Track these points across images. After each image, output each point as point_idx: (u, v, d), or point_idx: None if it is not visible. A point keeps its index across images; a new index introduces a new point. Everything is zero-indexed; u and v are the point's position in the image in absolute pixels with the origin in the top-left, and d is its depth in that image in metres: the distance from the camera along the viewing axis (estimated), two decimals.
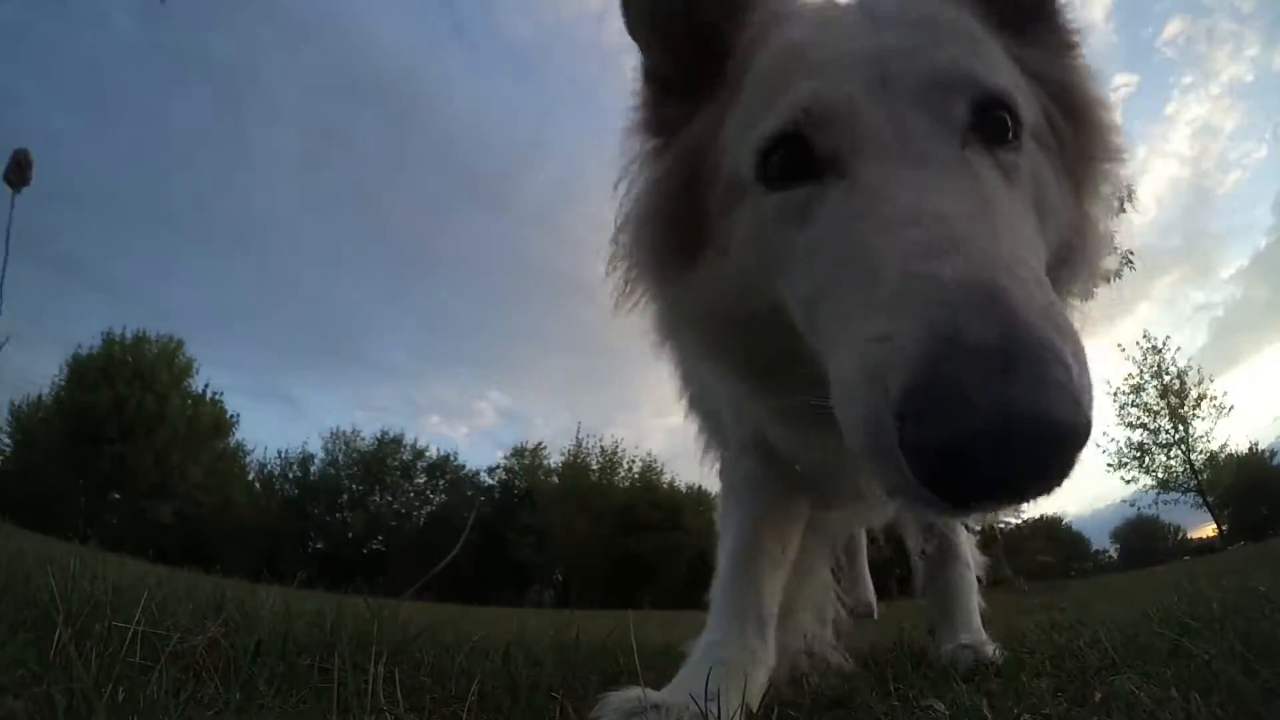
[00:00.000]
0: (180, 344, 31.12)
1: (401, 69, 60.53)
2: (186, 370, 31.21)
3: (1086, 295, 1.17)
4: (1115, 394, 27.50)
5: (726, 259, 0.97)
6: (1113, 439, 27.82)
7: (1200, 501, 28.91)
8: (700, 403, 1.68)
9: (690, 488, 35.66)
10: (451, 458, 37.50)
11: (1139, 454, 28.35)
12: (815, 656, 1.52)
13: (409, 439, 37.11)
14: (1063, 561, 37.63)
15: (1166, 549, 39.92)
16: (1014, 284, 0.63)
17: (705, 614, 1.30)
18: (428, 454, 36.91)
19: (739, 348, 1.03)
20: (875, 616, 2.80)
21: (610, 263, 1.16)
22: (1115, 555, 45.18)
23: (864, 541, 2.64)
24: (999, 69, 0.92)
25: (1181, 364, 27.92)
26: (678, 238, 1.03)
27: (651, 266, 1.09)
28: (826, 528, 1.59)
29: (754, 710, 1.09)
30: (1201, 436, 27.95)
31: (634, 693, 0.97)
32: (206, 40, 53.59)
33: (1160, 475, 28.42)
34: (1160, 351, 27.82)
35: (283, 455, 36.38)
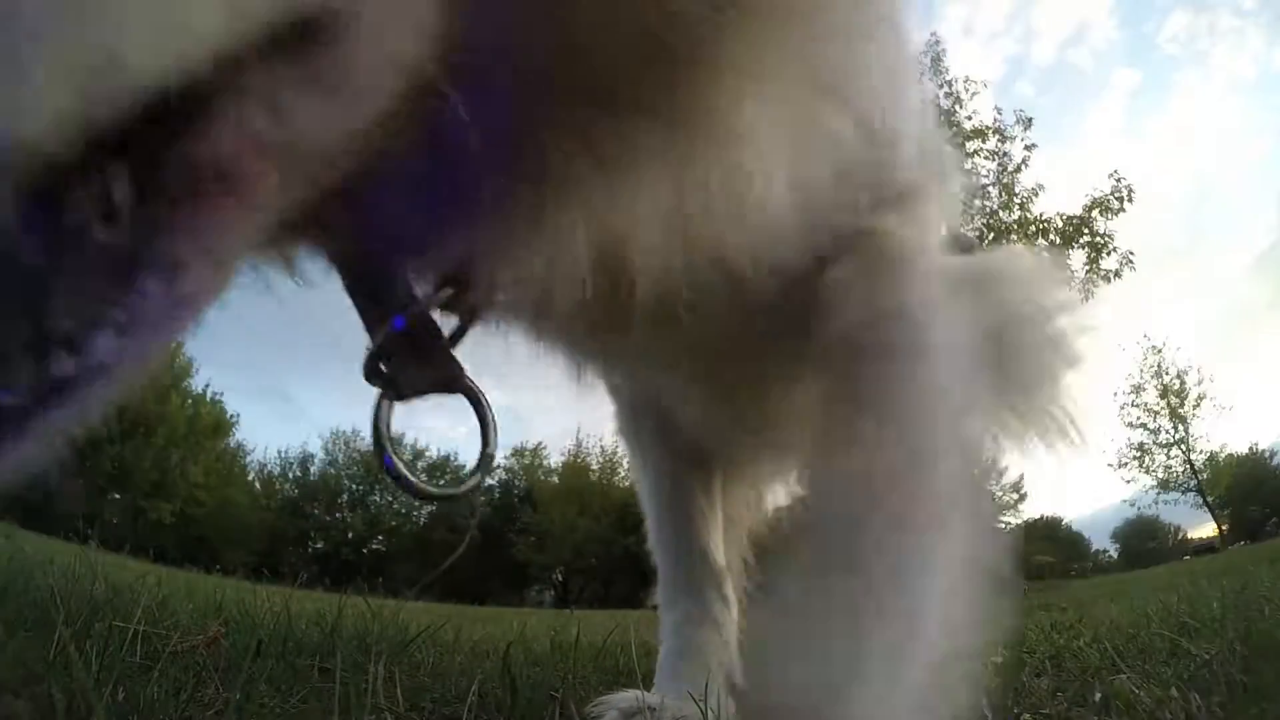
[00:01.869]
0: (180, 344, 31.01)
1: None
2: (186, 370, 31.20)
3: None
4: (1115, 394, 27.51)
5: None
6: (1112, 439, 27.84)
7: (1200, 501, 28.90)
8: None
9: None
10: (451, 458, 37.51)
11: (1139, 454, 28.29)
12: None
13: (409, 439, 37.08)
14: (1063, 562, 37.57)
15: (1166, 549, 39.91)
16: None
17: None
18: (428, 454, 36.91)
19: None
20: None
21: None
22: (1115, 555, 45.18)
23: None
24: None
25: (1182, 364, 27.91)
26: None
27: None
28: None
29: (738, 684, 1.07)
30: (1201, 436, 27.95)
31: (631, 694, 0.97)
32: None
33: (1160, 475, 28.36)
34: (1160, 351, 27.78)
35: (283, 455, 36.38)
